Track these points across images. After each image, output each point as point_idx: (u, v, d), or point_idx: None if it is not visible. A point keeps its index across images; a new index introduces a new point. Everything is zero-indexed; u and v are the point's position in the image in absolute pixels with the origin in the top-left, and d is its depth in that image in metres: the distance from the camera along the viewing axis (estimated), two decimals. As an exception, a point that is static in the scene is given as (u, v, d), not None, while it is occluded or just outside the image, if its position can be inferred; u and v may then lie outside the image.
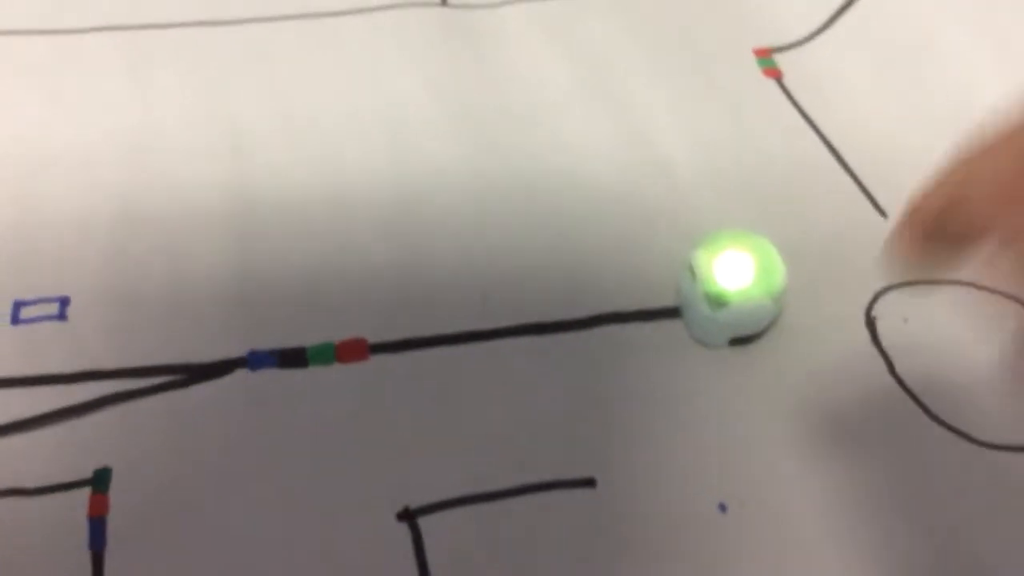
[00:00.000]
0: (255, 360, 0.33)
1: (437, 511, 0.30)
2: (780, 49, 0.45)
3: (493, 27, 0.45)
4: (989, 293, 0.34)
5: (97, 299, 0.34)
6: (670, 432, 0.32)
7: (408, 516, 0.30)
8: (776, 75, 0.44)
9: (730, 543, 0.30)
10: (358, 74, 0.42)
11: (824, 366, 0.34)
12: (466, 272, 0.36)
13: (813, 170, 0.40)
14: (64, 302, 0.34)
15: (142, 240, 0.35)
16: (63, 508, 0.29)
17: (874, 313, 0.36)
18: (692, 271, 0.33)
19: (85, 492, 0.30)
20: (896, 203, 0.30)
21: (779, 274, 0.33)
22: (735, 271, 0.33)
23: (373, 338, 0.34)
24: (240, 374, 0.33)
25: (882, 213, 0.39)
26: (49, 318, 0.33)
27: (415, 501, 0.30)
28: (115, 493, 0.30)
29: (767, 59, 0.45)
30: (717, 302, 0.33)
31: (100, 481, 0.30)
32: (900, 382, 0.34)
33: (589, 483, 0.31)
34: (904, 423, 0.33)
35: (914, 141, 0.41)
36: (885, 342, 0.35)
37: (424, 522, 0.30)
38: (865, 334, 0.35)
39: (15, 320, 0.33)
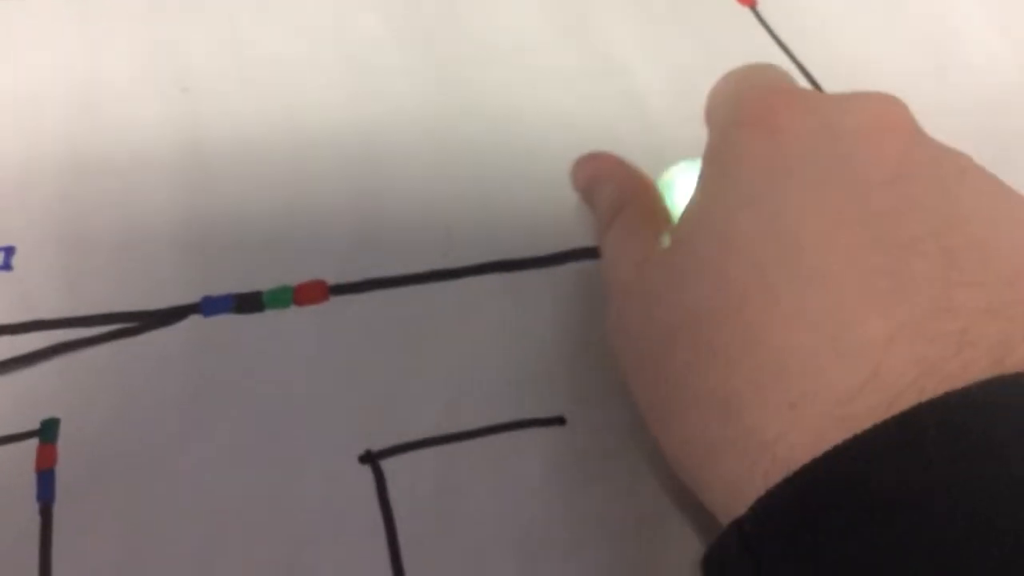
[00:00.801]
0: (209, 306, 0.32)
1: (401, 453, 0.29)
2: (754, -23, 0.44)
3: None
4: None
5: (43, 247, 0.32)
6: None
7: (370, 459, 0.29)
8: (751, 3, 0.42)
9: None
10: (316, 10, 0.40)
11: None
12: (429, 210, 0.34)
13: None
14: (8, 251, 0.32)
15: (90, 186, 0.34)
16: (10, 460, 0.28)
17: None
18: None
19: (32, 444, 0.28)
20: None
21: None
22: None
23: (333, 280, 0.32)
24: (194, 320, 0.31)
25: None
26: (-7, 268, 0.32)
27: (378, 445, 0.29)
28: (64, 444, 0.29)
29: (741, -13, 0.43)
30: None
31: (48, 431, 0.29)
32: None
33: (559, 421, 0.30)
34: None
35: (890, 67, 0.40)
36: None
37: (387, 464, 0.29)
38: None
39: (-42, 272, 0.32)
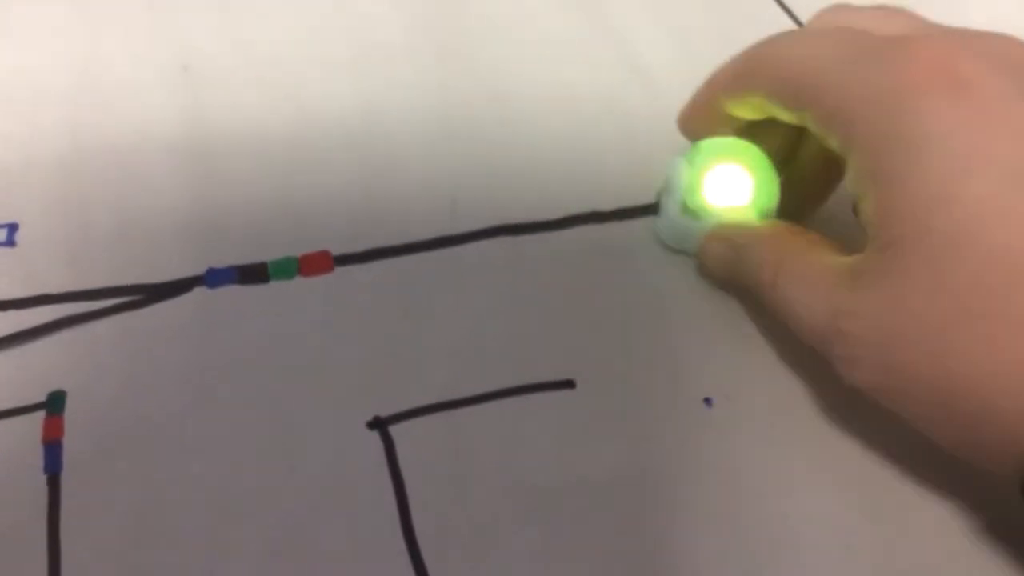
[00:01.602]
0: (213, 277, 0.31)
1: (409, 418, 0.29)
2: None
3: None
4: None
5: (47, 223, 0.32)
6: (652, 330, 0.31)
7: (379, 424, 0.28)
8: (755, -30, 0.42)
9: (717, 436, 0.29)
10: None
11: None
12: (434, 180, 0.34)
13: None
14: (13, 228, 0.32)
15: (92, 162, 0.34)
16: (17, 433, 0.28)
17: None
18: (677, 178, 0.31)
19: (39, 417, 0.28)
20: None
21: (774, 193, 0.31)
22: (727, 187, 0.31)
23: (338, 251, 0.32)
24: (198, 292, 0.31)
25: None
26: (-3, 244, 0.32)
27: (387, 412, 0.29)
28: (71, 416, 0.28)
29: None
30: (697, 215, 0.31)
31: (54, 404, 0.28)
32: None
33: (568, 384, 0.30)
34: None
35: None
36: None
37: (396, 430, 0.28)
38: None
39: (-38, 249, 0.32)
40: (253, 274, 0.31)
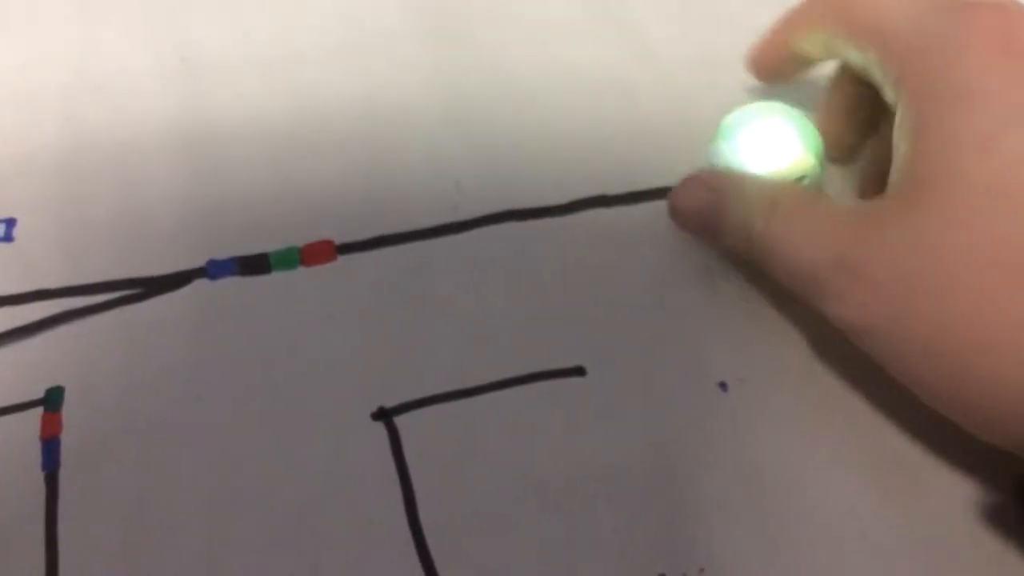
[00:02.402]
0: (214, 269, 0.31)
1: (415, 409, 0.28)
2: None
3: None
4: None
5: (44, 218, 0.32)
6: (663, 315, 0.30)
7: (384, 415, 0.28)
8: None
9: (733, 421, 0.28)
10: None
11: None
12: (438, 166, 0.33)
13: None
14: (10, 223, 0.32)
15: (89, 155, 0.33)
16: (14, 430, 0.27)
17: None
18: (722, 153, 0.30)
19: (37, 413, 0.28)
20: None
21: (816, 136, 0.30)
22: (773, 145, 0.29)
23: (340, 239, 0.31)
24: (199, 284, 0.30)
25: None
26: (-6, 240, 0.31)
27: (391, 402, 0.28)
28: (69, 412, 0.28)
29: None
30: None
31: (52, 400, 0.28)
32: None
33: (579, 372, 0.29)
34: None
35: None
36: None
37: (401, 420, 0.28)
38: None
39: (-42, 245, 0.31)
40: (254, 265, 0.31)
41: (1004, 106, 0.24)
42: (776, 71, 0.32)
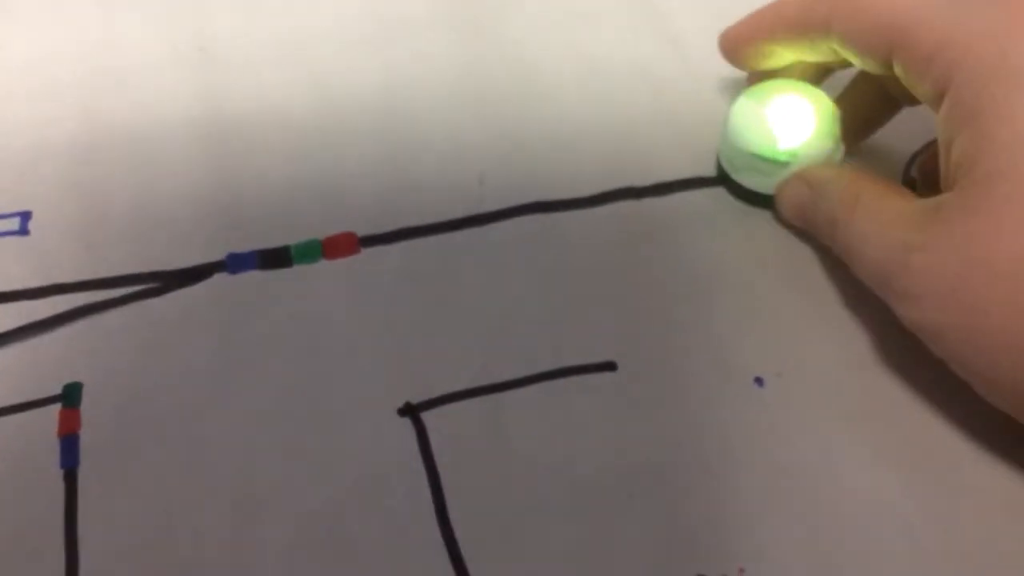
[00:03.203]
0: (235, 262, 0.30)
1: (442, 404, 0.27)
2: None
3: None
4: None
5: (60, 211, 0.31)
6: (695, 308, 0.29)
7: (410, 411, 0.27)
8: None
9: (769, 416, 0.27)
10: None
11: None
12: (461, 157, 0.33)
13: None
14: (25, 216, 0.31)
15: (106, 148, 0.33)
16: (32, 427, 0.27)
17: (913, 173, 0.32)
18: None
19: (55, 410, 0.27)
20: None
21: (833, 113, 0.30)
22: (792, 119, 0.30)
23: (363, 232, 0.31)
24: (219, 278, 0.30)
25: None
26: (9, 234, 0.31)
27: (418, 397, 0.27)
28: (88, 409, 0.27)
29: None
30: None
31: (70, 396, 0.27)
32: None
33: (609, 367, 0.28)
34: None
35: None
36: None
37: (428, 416, 0.27)
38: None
39: (-27, 239, 0.30)
40: (275, 258, 0.30)
41: None
42: (753, 64, 0.32)
